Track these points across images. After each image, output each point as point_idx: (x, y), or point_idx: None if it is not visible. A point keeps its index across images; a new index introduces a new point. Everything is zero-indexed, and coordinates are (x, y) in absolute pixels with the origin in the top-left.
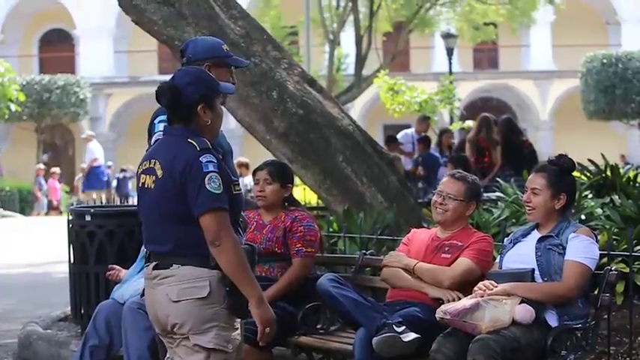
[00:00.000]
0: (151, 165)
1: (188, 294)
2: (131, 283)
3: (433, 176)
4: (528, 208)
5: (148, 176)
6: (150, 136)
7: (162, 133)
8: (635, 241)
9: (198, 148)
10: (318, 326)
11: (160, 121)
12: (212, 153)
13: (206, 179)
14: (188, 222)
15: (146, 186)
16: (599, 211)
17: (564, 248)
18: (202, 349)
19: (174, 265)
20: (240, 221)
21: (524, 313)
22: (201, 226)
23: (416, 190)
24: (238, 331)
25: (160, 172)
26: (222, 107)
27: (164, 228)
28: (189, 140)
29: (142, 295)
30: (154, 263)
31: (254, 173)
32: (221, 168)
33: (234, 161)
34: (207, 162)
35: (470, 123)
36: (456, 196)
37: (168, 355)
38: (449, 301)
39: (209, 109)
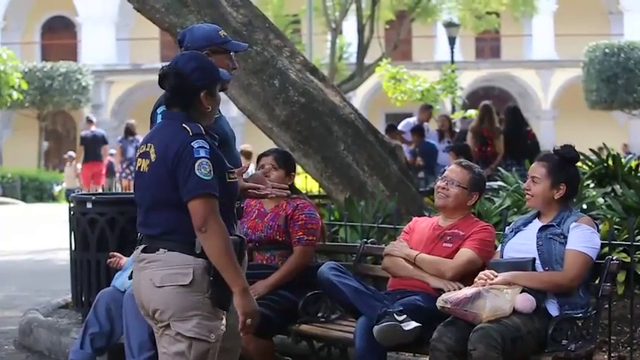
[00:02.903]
0: (147, 149)
1: (171, 280)
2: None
3: (433, 163)
4: (527, 195)
5: (143, 160)
6: (152, 125)
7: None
8: (636, 231)
9: (190, 133)
10: (319, 315)
11: (162, 111)
12: (204, 139)
13: (196, 165)
14: (178, 207)
15: (141, 170)
16: (600, 200)
17: (565, 238)
18: (184, 339)
19: (160, 249)
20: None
21: (525, 302)
22: (190, 211)
23: (416, 180)
24: (223, 321)
25: (153, 156)
26: (222, 94)
27: (155, 212)
28: (183, 125)
29: (130, 277)
30: (143, 247)
31: (259, 159)
32: (213, 154)
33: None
34: (198, 147)
35: (472, 112)
36: (459, 183)
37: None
38: (450, 291)
39: (210, 96)
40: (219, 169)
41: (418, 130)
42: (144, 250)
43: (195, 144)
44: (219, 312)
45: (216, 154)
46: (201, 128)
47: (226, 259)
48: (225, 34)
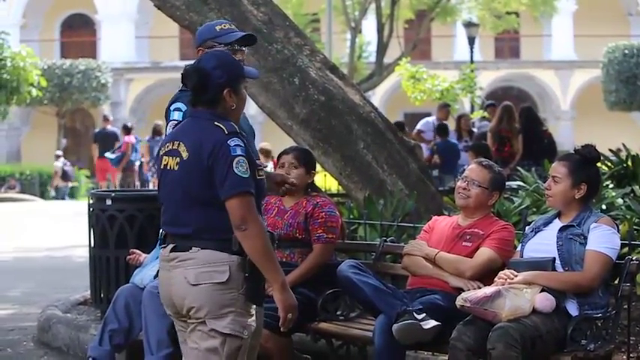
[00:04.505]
0: (175, 147)
1: (207, 278)
2: (151, 267)
3: (452, 164)
4: (548, 195)
5: (170, 158)
6: (167, 121)
7: (177, 121)
8: None
9: (226, 132)
10: (338, 313)
11: (175, 109)
12: (239, 137)
13: (234, 163)
14: (211, 205)
15: (169, 168)
16: (620, 201)
17: (585, 238)
18: (218, 335)
19: (193, 247)
20: None
21: (545, 301)
22: (228, 209)
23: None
24: (254, 318)
25: (185, 154)
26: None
27: (186, 210)
28: (216, 123)
29: (156, 276)
30: (172, 245)
31: (279, 157)
32: (248, 152)
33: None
34: (235, 145)
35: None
36: (480, 183)
37: (180, 340)
38: (469, 290)
39: (234, 93)
40: (251, 167)
41: (441, 129)
42: (174, 249)
43: (231, 142)
44: (251, 308)
45: (249, 153)
46: (235, 126)
47: (266, 256)
48: (225, 27)
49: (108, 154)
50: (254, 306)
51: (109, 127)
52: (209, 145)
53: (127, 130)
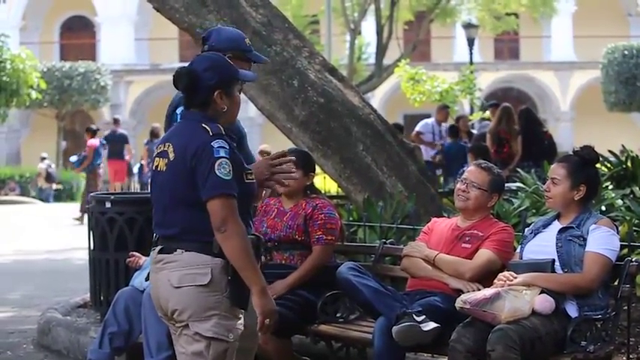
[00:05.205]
0: (165, 148)
1: (189, 280)
2: None
3: (457, 165)
4: (547, 196)
5: (161, 159)
6: (169, 124)
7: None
8: None
9: (210, 133)
10: (338, 315)
11: (180, 111)
12: (224, 139)
13: (216, 164)
14: (196, 207)
15: (159, 169)
16: (619, 202)
17: (585, 239)
18: (202, 338)
19: (178, 250)
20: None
21: (544, 303)
22: (209, 211)
23: (434, 177)
24: (241, 321)
25: (172, 156)
26: (241, 94)
27: (172, 212)
28: (202, 125)
29: (147, 279)
30: (160, 247)
31: None
32: (233, 155)
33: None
34: (218, 147)
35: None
36: (479, 185)
37: (174, 343)
38: (469, 292)
39: (226, 96)
40: (238, 170)
41: (451, 131)
42: (161, 251)
43: (215, 144)
44: (237, 311)
45: (235, 155)
46: (221, 128)
47: (245, 259)
48: (250, 43)
49: (72, 157)
50: (241, 310)
51: (119, 130)
52: (193, 146)
53: (92, 133)
